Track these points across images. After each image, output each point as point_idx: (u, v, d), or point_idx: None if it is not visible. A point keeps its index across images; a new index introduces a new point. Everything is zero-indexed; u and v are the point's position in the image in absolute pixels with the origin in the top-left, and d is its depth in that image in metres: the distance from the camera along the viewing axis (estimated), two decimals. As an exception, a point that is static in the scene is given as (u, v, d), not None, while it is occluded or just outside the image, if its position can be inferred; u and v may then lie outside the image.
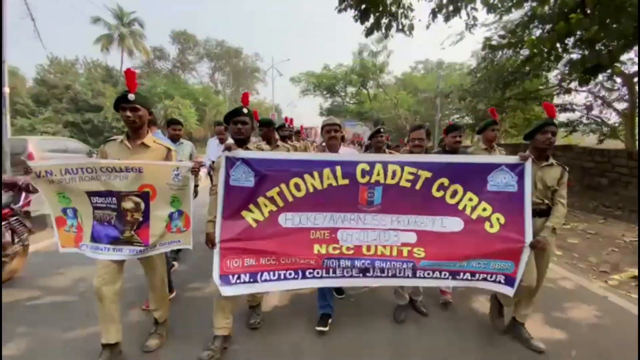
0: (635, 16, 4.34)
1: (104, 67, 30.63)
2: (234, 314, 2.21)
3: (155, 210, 2.03)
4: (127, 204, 1.98)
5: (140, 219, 2.00)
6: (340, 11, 5.82)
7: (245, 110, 2.26)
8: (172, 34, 36.64)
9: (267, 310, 2.64)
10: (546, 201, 2.24)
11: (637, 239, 5.04)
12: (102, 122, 24.23)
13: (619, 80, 8.64)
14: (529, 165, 2.10)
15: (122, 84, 29.49)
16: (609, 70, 6.53)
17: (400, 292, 2.64)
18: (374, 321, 2.54)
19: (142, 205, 1.99)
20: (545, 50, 5.05)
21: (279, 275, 2.13)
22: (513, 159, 2.14)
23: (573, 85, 8.98)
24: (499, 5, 6.86)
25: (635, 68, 7.70)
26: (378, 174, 2.12)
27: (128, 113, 1.96)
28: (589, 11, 5.10)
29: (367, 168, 2.11)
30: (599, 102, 9.30)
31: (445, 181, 2.12)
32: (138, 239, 2.00)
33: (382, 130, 2.86)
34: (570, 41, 5.31)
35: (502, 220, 2.13)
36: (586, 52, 5.10)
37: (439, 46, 20.86)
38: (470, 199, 2.14)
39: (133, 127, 2.02)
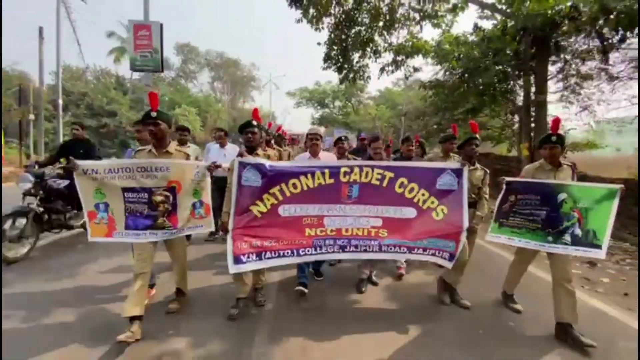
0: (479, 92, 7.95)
1: (112, 75, 33.44)
2: (250, 282, 2.78)
3: (181, 201, 2.42)
4: (158, 198, 2.36)
5: (170, 208, 2.39)
6: (324, 69, 9.42)
7: (255, 123, 2.76)
8: (176, 46, 39.73)
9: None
10: (473, 196, 2.94)
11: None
12: (117, 126, 27.12)
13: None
14: (466, 170, 2.66)
15: (132, 91, 32.48)
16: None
17: (362, 267, 3.31)
18: (347, 292, 3.23)
19: (171, 198, 2.38)
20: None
21: (279, 253, 2.58)
22: (455, 165, 2.69)
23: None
24: (431, 61, 10.56)
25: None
26: (355, 174, 2.62)
27: (151, 127, 2.34)
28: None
29: (348, 170, 2.63)
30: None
31: (405, 180, 2.65)
32: (169, 224, 2.40)
33: (342, 138, 3.65)
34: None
35: (446, 211, 2.68)
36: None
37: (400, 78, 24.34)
38: (423, 194, 2.66)
39: (156, 138, 2.39)
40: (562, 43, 7.50)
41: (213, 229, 2.66)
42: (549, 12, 6.36)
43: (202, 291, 3.16)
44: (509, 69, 7.74)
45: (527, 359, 2.34)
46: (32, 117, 15.23)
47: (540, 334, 2.61)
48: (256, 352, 2.27)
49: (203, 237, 4.72)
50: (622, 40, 6.14)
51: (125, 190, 2.36)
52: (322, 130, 3.59)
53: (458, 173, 2.68)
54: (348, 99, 25.14)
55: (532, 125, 7.87)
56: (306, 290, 3.01)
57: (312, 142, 3.12)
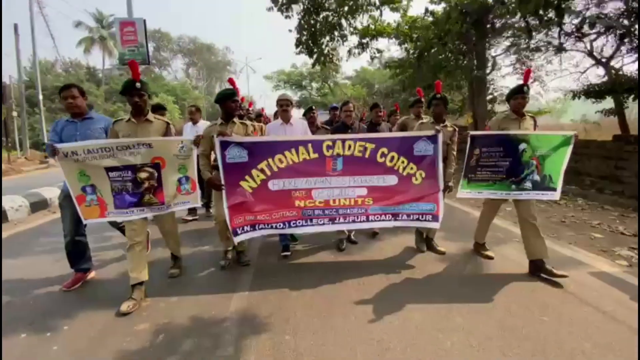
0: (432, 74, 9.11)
1: (83, 67, 32.54)
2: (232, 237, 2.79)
3: (166, 177, 2.48)
4: (143, 174, 2.40)
5: (156, 184, 2.45)
6: (297, 53, 10.33)
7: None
8: (147, 33, 38.59)
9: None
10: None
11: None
12: (95, 118, 26.80)
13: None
14: (440, 136, 2.81)
15: (105, 82, 31.82)
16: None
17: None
18: (327, 251, 3.43)
19: (156, 174, 2.44)
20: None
21: (271, 225, 2.80)
22: (429, 133, 2.84)
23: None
24: (396, 43, 11.58)
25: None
26: (338, 148, 2.76)
27: (136, 99, 2.38)
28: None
29: (330, 144, 2.75)
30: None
31: (385, 150, 2.81)
32: (156, 200, 2.48)
33: (313, 108, 3.75)
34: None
35: (423, 175, 2.88)
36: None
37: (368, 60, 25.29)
38: (403, 162, 2.84)
39: (139, 108, 2.44)
40: (503, 23, 8.71)
41: (199, 204, 2.82)
42: (482, -2, 7.50)
43: (192, 254, 3.43)
44: (461, 48, 8.91)
45: (507, 297, 2.44)
46: (15, 114, 15.38)
47: (513, 272, 2.85)
48: (239, 298, 2.46)
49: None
50: (541, 20, 7.36)
51: (108, 169, 2.36)
52: (290, 95, 4.06)
53: (433, 139, 2.85)
54: (325, 80, 25.89)
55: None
56: (289, 254, 3.29)
57: (282, 109, 3.16)
